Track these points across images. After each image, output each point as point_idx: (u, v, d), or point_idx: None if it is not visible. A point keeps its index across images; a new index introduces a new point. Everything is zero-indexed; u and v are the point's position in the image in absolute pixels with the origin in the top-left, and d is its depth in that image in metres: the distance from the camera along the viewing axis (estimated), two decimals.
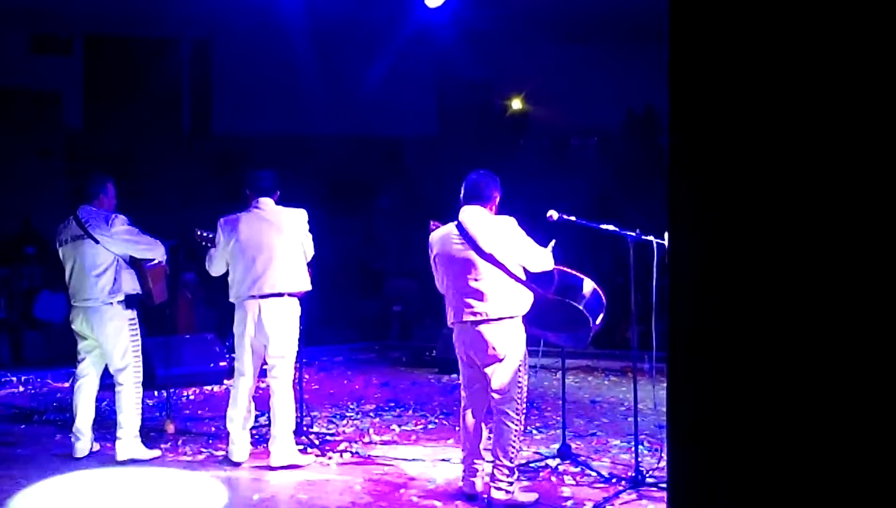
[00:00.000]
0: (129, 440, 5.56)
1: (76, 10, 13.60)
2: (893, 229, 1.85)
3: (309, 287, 5.58)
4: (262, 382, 5.77)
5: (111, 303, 5.53)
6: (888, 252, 1.86)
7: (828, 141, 1.93)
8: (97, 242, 5.50)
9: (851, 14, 1.90)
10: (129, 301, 5.59)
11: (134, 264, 5.64)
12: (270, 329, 5.37)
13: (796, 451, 1.95)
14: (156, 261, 5.69)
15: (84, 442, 5.66)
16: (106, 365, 5.70)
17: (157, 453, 5.72)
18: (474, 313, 4.51)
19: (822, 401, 1.93)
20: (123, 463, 5.50)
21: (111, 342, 5.56)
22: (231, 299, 5.52)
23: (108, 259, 5.52)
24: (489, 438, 4.70)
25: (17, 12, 13.44)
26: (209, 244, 5.58)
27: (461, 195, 4.70)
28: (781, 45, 1.99)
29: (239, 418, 5.48)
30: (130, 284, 5.60)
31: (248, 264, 5.37)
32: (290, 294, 5.43)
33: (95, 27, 14.65)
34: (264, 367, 5.57)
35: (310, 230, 5.56)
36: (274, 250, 5.38)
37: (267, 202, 5.51)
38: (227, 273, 5.53)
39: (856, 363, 1.89)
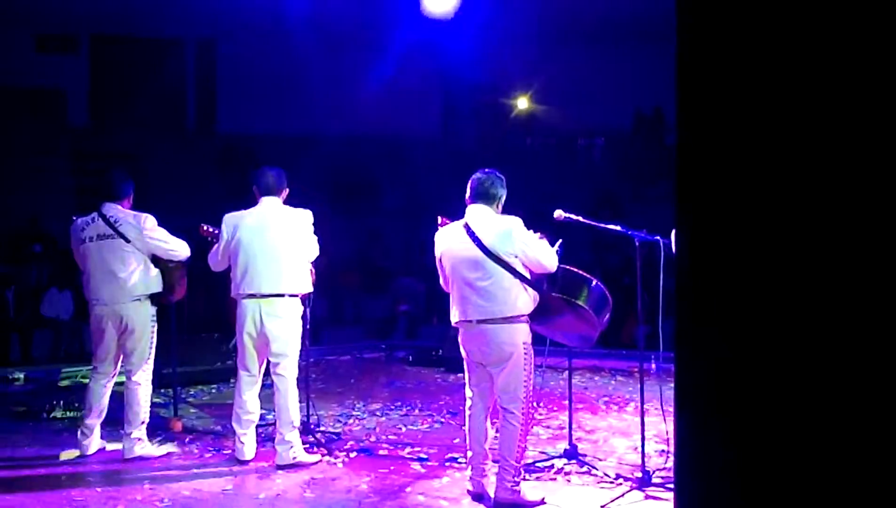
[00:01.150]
0: (136, 439, 5.58)
1: (82, 10, 13.64)
2: None
3: (310, 289, 5.58)
4: (268, 380, 5.78)
5: (139, 300, 5.58)
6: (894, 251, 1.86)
7: (835, 141, 1.93)
8: (128, 241, 5.52)
9: (858, 15, 1.90)
10: (153, 299, 5.65)
11: (156, 262, 5.68)
12: (271, 329, 5.37)
13: (803, 453, 1.95)
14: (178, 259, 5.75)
15: (91, 439, 5.68)
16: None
17: (164, 451, 5.73)
18: (480, 313, 4.51)
19: (830, 402, 1.93)
20: (131, 461, 5.51)
21: (135, 338, 5.60)
22: (232, 296, 5.53)
23: (137, 258, 5.57)
24: (495, 437, 4.70)
25: (23, 12, 13.48)
26: (214, 240, 5.60)
27: (467, 195, 4.70)
28: (789, 45, 1.98)
29: (245, 416, 5.49)
30: (155, 282, 5.66)
31: (249, 262, 5.37)
32: (290, 295, 5.43)
33: (101, 27, 14.69)
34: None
35: (315, 230, 5.55)
36: (275, 249, 5.38)
37: (272, 201, 5.51)
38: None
39: (863, 364, 1.89)
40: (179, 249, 5.71)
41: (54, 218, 11.61)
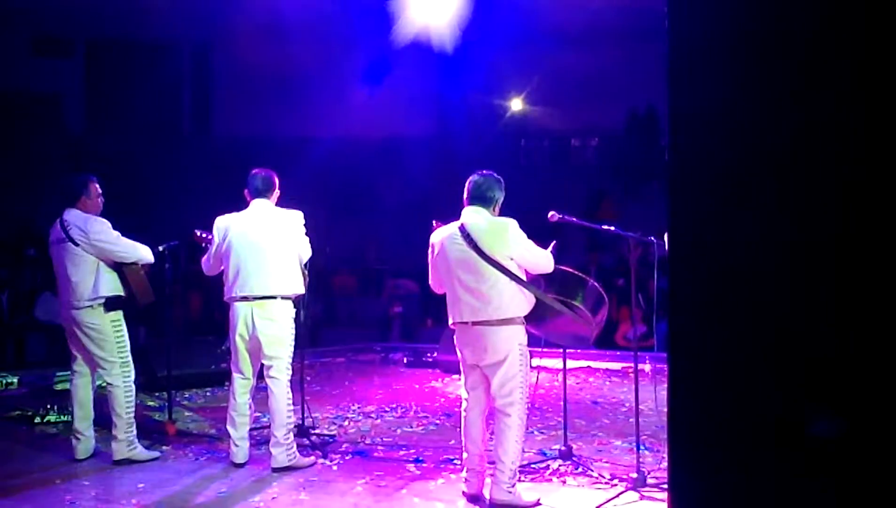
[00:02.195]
0: (124, 441, 5.55)
1: (77, 14, 13.63)
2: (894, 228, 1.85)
3: (302, 290, 5.55)
4: (263, 383, 5.76)
5: (91, 306, 5.52)
6: (891, 248, 1.86)
7: (824, 141, 1.93)
8: (77, 245, 5.50)
9: (842, 16, 1.91)
10: (111, 304, 5.56)
11: (116, 266, 5.60)
12: (262, 331, 5.36)
13: (795, 450, 1.95)
14: (136, 263, 5.65)
15: (84, 443, 5.66)
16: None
17: (155, 454, 5.71)
18: (475, 315, 4.51)
19: (827, 400, 1.93)
20: (125, 464, 5.49)
21: (93, 344, 5.56)
22: (224, 299, 5.52)
23: (88, 262, 5.50)
24: (491, 439, 4.70)
25: (19, 15, 13.46)
26: (207, 245, 5.59)
27: (464, 196, 4.70)
28: (778, 45, 1.99)
29: (239, 419, 5.47)
30: (111, 286, 5.56)
31: (240, 264, 5.36)
32: (282, 297, 5.42)
33: (97, 30, 14.68)
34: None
35: (309, 232, 5.54)
36: (266, 251, 5.36)
37: (262, 203, 5.49)
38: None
39: (854, 357, 1.89)
40: (129, 251, 5.59)
41: (49, 222, 11.59)
